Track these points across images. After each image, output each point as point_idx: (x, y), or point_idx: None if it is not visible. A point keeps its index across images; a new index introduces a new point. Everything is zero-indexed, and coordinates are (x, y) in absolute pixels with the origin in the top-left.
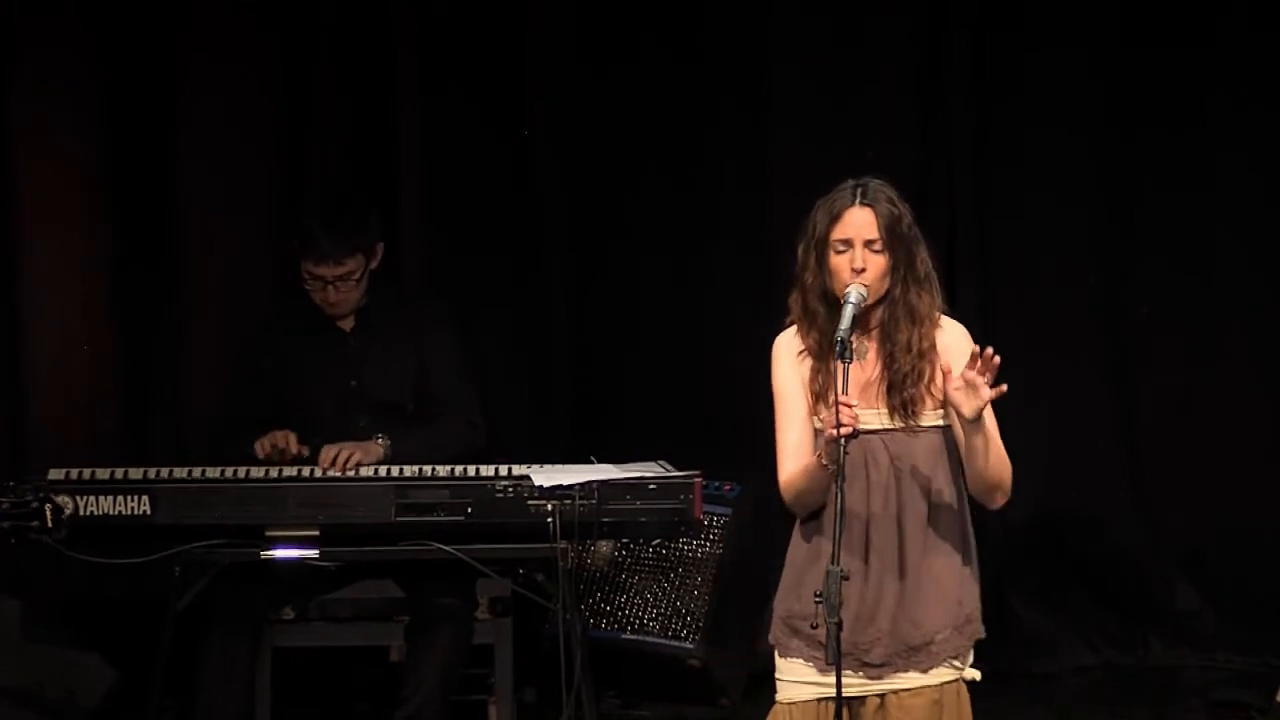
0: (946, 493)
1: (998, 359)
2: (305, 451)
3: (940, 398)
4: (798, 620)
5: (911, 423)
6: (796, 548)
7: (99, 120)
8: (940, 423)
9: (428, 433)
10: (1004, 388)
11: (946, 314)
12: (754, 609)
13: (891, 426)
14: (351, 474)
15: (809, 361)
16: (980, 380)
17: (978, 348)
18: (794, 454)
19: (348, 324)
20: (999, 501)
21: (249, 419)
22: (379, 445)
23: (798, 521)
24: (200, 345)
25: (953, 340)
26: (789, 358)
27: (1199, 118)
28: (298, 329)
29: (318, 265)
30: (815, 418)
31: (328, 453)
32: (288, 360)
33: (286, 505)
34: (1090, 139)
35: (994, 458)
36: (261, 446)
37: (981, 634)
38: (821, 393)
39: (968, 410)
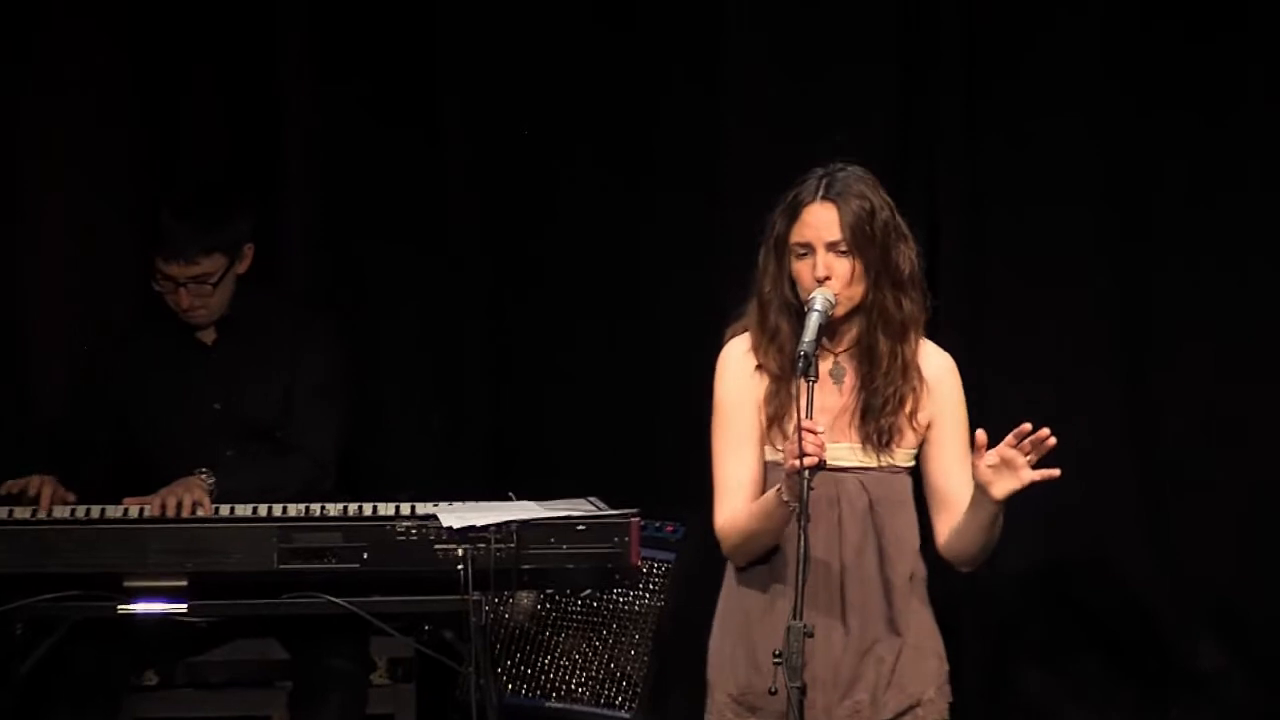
0: (915, 540)
1: (1053, 440)
2: (71, 498)
3: (921, 434)
4: (755, 697)
5: (887, 459)
6: (737, 601)
7: None
8: (911, 464)
9: (262, 469)
10: (1056, 472)
11: (929, 337)
12: (701, 671)
13: (868, 464)
14: (225, 513)
15: (766, 379)
16: (1023, 461)
17: (1028, 425)
18: (738, 488)
19: (208, 336)
20: (969, 569)
21: (85, 444)
22: (200, 480)
23: (732, 570)
24: (47, 352)
25: (937, 373)
26: (740, 370)
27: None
28: (151, 339)
29: (168, 263)
30: (770, 446)
31: (155, 503)
32: (137, 376)
33: (148, 551)
34: (1099, 123)
35: (999, 531)
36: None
37: (950, 696)
38: (778, 416)
39: (998, 492)
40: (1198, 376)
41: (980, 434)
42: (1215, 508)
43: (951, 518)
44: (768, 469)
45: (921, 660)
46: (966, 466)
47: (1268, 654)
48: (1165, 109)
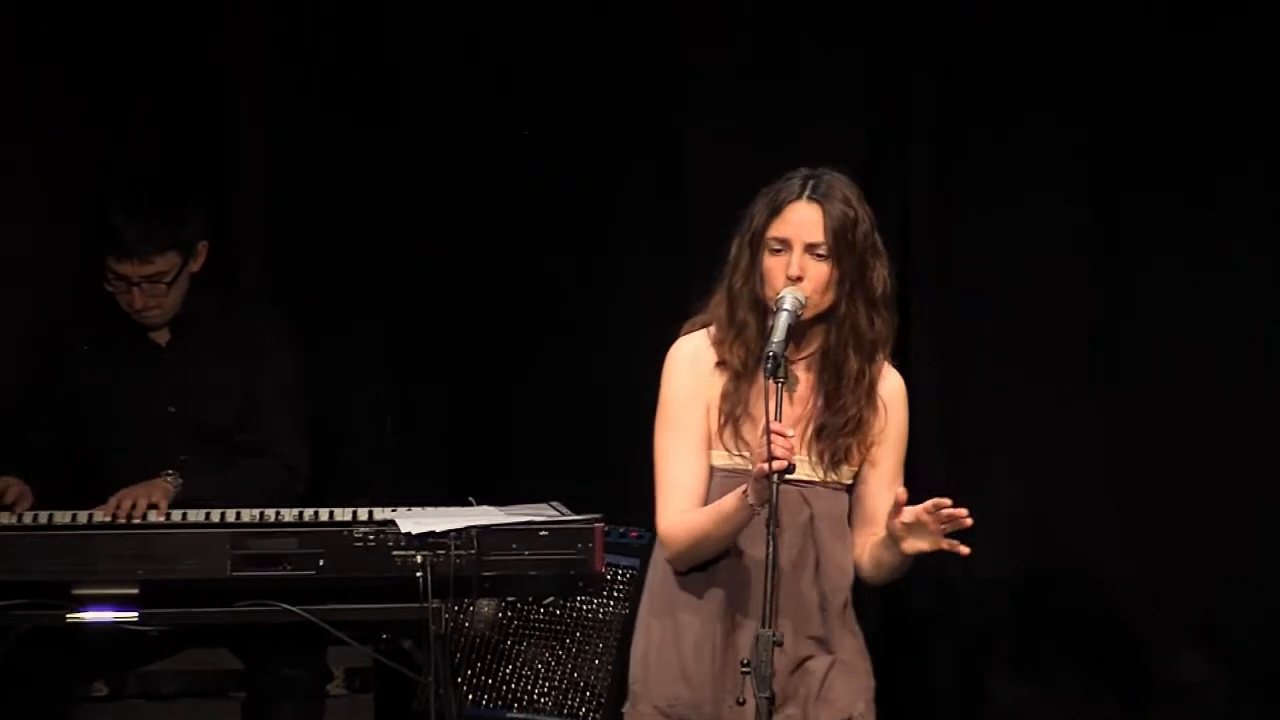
0: (850, 558)
1: (968, 521)
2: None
3: (863, 455)
4: (684, 708)
5: (832, 476)
6: (668, 608)
7: None
8: (850, 482)
9: (232, 472)
10: (964, 550)
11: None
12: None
13: (812, 478)
14: (178, 518)
15: (724, 378)
16: (936, 528)
17: (947, 501)
18: (685, 490)
19: (162, 336)
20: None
21: (32, 450)
22: (166, 483)
23: (665, 575)
24: None
25: (891, 395)
26: (692, 368)
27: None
28: (102, 339)
29: (121, 262)
30: (721, 448)
31: (111, 504)
32: (88, 378)
33: (98, 557)
34: (1078, 121)
35: (909, 567)
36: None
37: (876, 714)
38: (735, 416)
39: (907, 548)
40: (1175, 379)
41: (901, 492)
42: (1194, 513)
43: (871, 537)
44: (713, 472)
45: (852, 676)
46: (894, 490)
47: (1251, 663)
48: (1144, 105)
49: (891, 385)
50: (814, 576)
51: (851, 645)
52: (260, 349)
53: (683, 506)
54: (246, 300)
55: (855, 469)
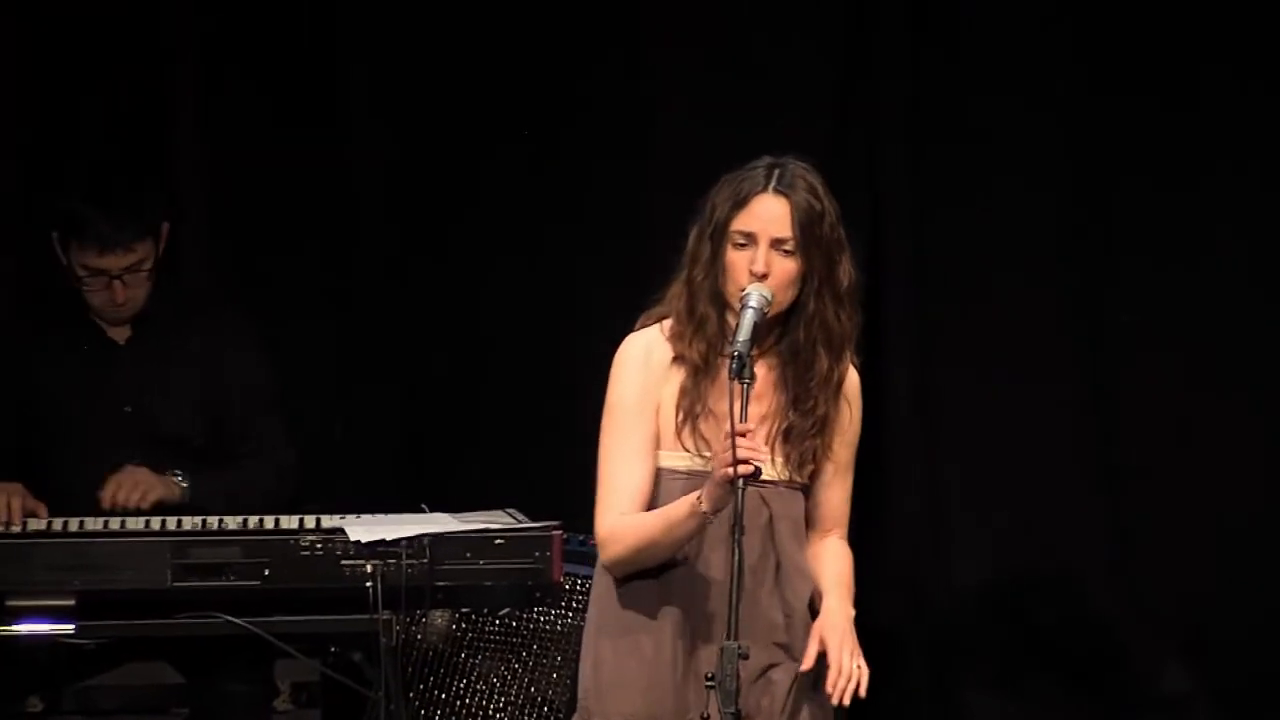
0: (806, 563)
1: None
2: (41, 511)
3: (828, 455)
4: None
5: (794, 477)
6: (617, 620)
7: None
8: (807, 480)
9: (236, 476)
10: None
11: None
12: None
13: (769, 478)
14: (115, 526)
15: (680, 374)
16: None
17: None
18: (628, 493)
19: (120, 334)
20: None
21: None
22: (175, 483)
23: (611, 585)
24: None
25: (852, 386)
26: (643, 367)
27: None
28: (56, 336)
29: (102, 256)
30: (681, 450)
31: (109, 489)
32: (42, 375)
33: (32, 567)
34: (1059, 109)
35: None
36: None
37: None
38: (695, 414)
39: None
40: (1160, 383)
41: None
42: (1179, 524)
43: (817, 536)
44: (668, 475)
45: (817, 694)
46: (847, 487)
47: (1234, 675)
48: (1124, 94)
49: (852, 381)
50: (774, 581)
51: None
52: (223, 352)
53: (624, 509)
54: (206, 299)
55: (812, 466)
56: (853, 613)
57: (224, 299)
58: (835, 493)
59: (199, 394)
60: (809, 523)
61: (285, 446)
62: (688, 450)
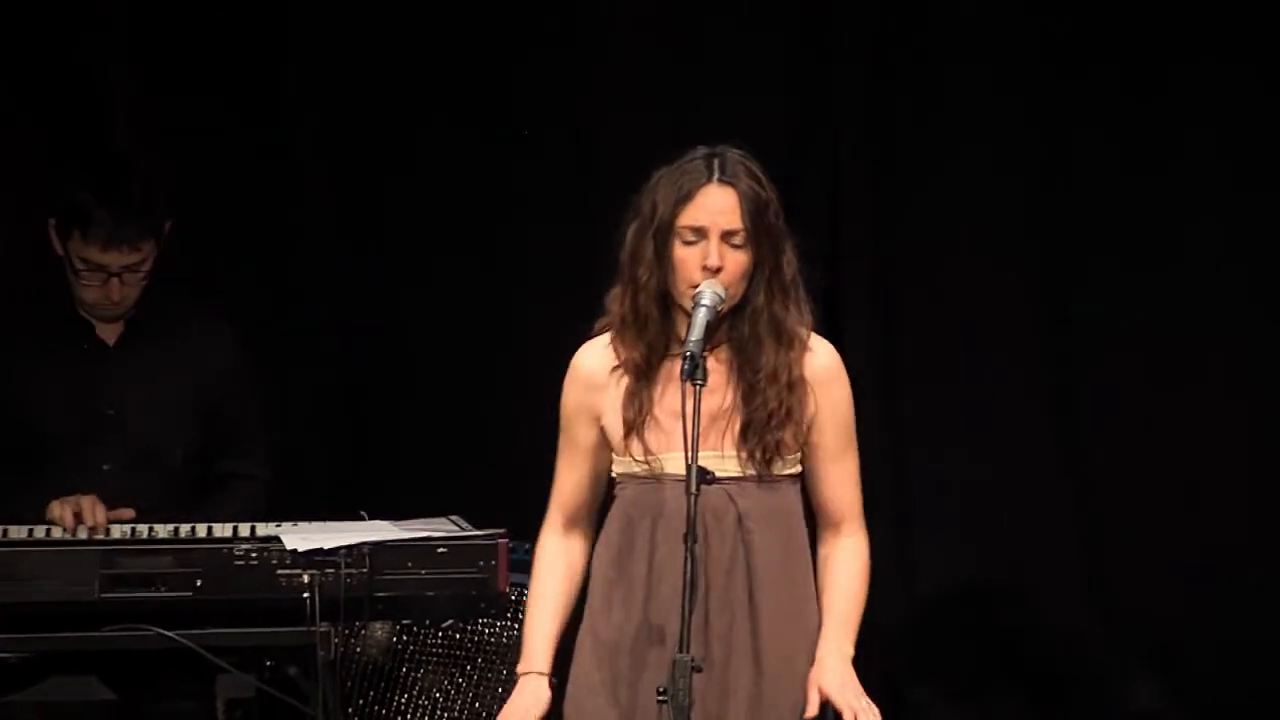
0: (800, 558)
1: None
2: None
3: (801, 442)
4: None
5: (763, 471)
6: (588, 629)
7: None
8: (796, 470)
9: (242, 503)
10: None
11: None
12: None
13: (734, 473)
14: (41, 534)
15: (625, 381)
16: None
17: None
18: (562, 504)
19: (110, 334)
20: None
21: None
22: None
23: (596, 578)
24: None
25: (822, 369)
26: (584, 381)
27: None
28: (39, 334)
29: (105, 251)
30: (628, 458)
31: (67, 513)
32: (25, 374)
33: None
34: (1026, 91)
35: None
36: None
37: None
38: (639, 420)
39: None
40: (1133, 385)
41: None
42: (1151, 531)
43: (829, 534)
44: (617, 480)
45: (789, 691)
46: (844, 472)
47: (1204, 692)
48: (1094, 71)
49: (821, 363)
50: (746, 582)
51: (800, 648)
52: (211, 359)
53: (560, 517)
54: (197, 307)
55: (795, 455)
56: (850, 652)
57: (215, 312)
58: (832, 481)
59: (185, 404)
60: (819, 517)
61: (267, 467)
62: (636, 459)
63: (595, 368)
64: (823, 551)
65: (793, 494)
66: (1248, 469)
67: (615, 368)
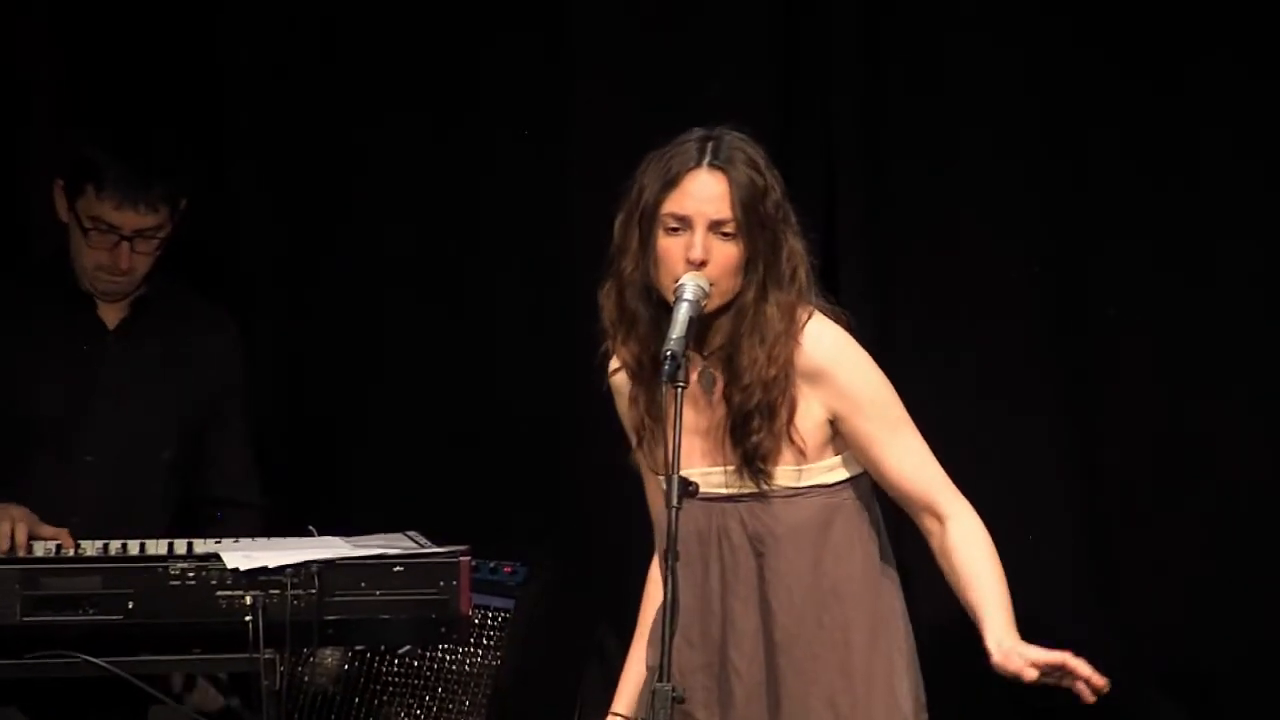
0: (845, 584)
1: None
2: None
3: (802, 446)
4: None
5: (764, 484)
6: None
7: None
8: (823, 480)
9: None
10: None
11: (825, 311)
12: None
13: (745, 490)
14: None
15: (627, 389)
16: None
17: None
18: (656, 524)
19: (112, 316)
20: None
21: None
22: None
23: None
24: None
25: (817, 360)
26: (618, 396)
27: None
28: (35, 309)
29: (119, 209)
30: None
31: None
32: (12, 350)
33: None
34: (1032, 72)
35: None
36: None
37: None
38: (642, 426)
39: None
40: (1148, 392)
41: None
42: (1171, 550)
43: (930, 524)
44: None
45: None
46: (904, 450)
47: (1222, 711)
48: (1101, 30)
49: (814, 354)
50: (759, 614)
51: (837, 689)
52: (214, 363)
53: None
54: (205, 300)
55: (793, 467)
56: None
57: (221, 311)
58: (893, 465)
59: (183, 400)
60: (909, 512)
61: (259, 491)
62: (655, 472)
63: (618, 376)
64: (935, 546)
65: (821, 505)
66: (1275, 479)
67: (615, 372)
